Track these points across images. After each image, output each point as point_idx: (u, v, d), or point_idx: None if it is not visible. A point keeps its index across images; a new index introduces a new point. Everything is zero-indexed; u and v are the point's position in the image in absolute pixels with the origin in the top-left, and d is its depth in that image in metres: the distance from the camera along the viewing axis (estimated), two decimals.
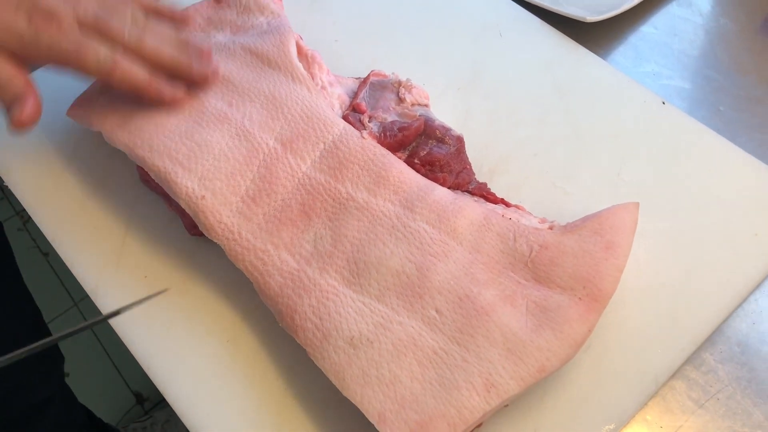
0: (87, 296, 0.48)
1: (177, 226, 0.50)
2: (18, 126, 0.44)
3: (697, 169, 0.50)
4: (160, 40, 0.47)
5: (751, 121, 0.55)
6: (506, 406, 0.41)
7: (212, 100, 0.48)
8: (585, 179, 0.50)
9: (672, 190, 0.49)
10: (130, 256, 0.49)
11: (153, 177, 0.47)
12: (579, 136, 0.52)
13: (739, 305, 0.46)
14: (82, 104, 0.51)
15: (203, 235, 0.48)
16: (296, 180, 0.46)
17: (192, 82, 0.48)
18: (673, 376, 0.44)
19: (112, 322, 0.46)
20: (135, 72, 0.45)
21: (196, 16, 0.55)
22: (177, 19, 0.51)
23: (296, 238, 0.44)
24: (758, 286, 0.46)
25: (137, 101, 0.48)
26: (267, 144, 0.47)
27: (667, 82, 0.58)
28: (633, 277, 0.46)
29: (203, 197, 0.45)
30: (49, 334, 0.82)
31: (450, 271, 0.42)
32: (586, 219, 0.44)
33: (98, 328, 1.27)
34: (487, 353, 0.38)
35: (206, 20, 0.55)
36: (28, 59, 0.44)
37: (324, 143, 0.47)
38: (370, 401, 0.38)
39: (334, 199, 0.45)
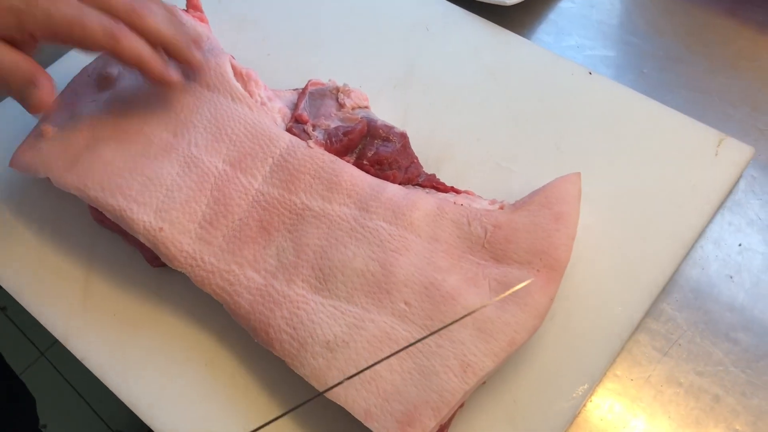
0: (53, 344, 0.48)
1: (139, 261, 0.50)
2: (38, 109, 0.42)
3: (631, 131, 0.52)
4: (159, 18, 0.45)
5: (676, 80, 0.58)
6: (484, 383, 0.43)
7: (156, 132, 0.49)
8: (527, 156, 0.52)
9: (610, 154, 0.51)
10: (95, 297, 0.49)
11: (108, 216, 0.47)
12: (516, 116, 0.54)
13: (687, 254, 0.48)
14: (24, 153, 0.50)
15: (166, 265, 0.48)
16: (250, 198, 0.47)
17: (187, 65, 0.48)
18: (636, 329, 0.46)
19: (87, 363, 0.46)
20: (141, 44, 0.43)
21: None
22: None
23: (259, 255, 0.45)
24: (702, 233, 0.49)
25: (81, 142, 0.48)
26: (216, 167, 0.47)
27: (590, 53, 0.60)
28: (585, 243, 0.48)
29: (161, 229, 0.46)
30: (25, 388, 0.81)
31: (412, 264, 0.43)
32: (533, 195, 0.46)
33: (71, 373, 1.25)
34: (459, 336, 0.40)
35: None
36: (25, 40, 0.41)
37: (272, 158, 0.48)
38: (354, 400, 0.39)
39: (290, 211, 0.46)
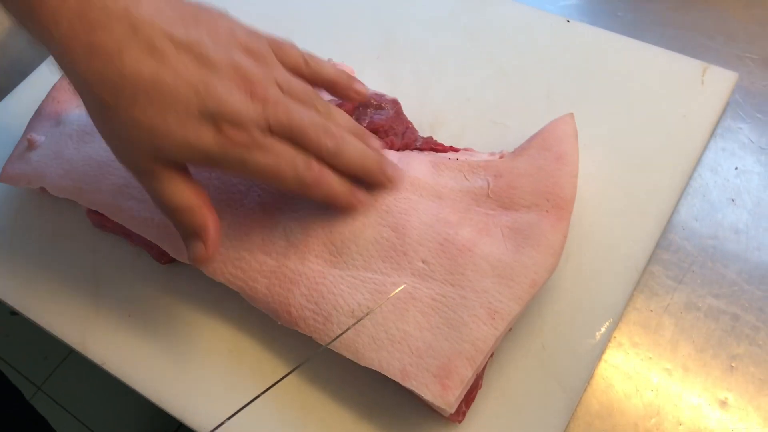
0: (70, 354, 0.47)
1: (145, 260, 0.50)
2: (199, 263, 0.40)
3: (617, 72, 0.53)
4: (352, 147, 0.42)
5: (650, 19, 0.59)
6: (510, 330, 0.43)
7: None
8: (519, 109, 0.53)
9: (599, 97, 0.52)
10: (107, 301, 0.49)
11: (109, 216, 0.46)
12: (502, 71, 0.54)
13: (687, 183, 0.49)
14: (14, 166, 0.50)
15: (174, 260, 0.48)
16: (249, 182, 0.46)
17: (377, 186, 0.44)
18: (649, 261, 0.46)
19: (108, 367, 0.46)
20: (333, 184, 0.41)
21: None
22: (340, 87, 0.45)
23: (267, 238, 0.45)
24: (698, 161, 0.50)
25: (71, 147, 0.47)
26: None
27: (565, 3, 0.61)
28: (587, 185, 0.48)
29: (165, 224, 0.45)
30: (34, 412, 0.80)
31: (423, 222, 0.43)
32: (530, 140, 0.46)
33: (89, 378, 1.24)
34: (481, 285, 0.40)
35: None
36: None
37: None
38: (388, 362, 0.39)
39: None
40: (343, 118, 0.44)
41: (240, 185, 0.46)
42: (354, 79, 0.45)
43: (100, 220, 0.49)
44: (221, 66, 0.37)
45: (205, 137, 0.37)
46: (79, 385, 1.31)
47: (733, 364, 0.43)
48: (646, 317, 0.45)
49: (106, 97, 0.35)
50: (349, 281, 0.42)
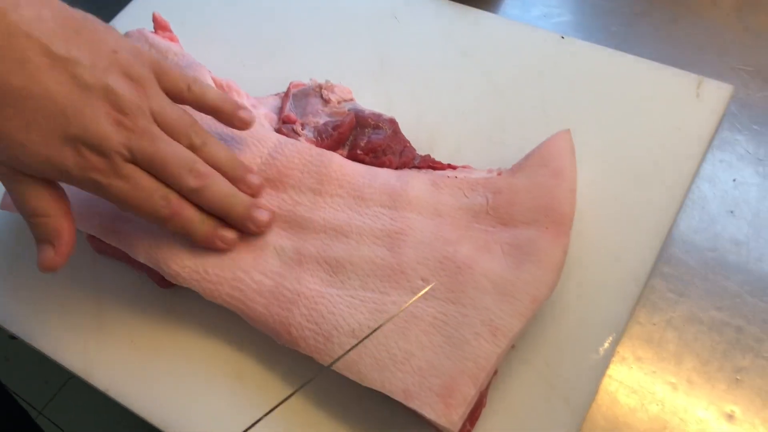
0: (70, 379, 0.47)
1: (147, 284, 0.49)
2: (45, 269, 0.40)
3: (612, 86, 0.53)
4: (217, 188, 0.42)
5: (642, 33, 0.59)
6: (513, 347, 0.43)
7: None
8: (516, 126, 0.53)
9: (596, 112, 0.52)
10: (110, 326, 0.48)
11: (107, 241, 0.46)
12: (498, 89, 0.55)
13: (686, 195, 0.49)
14: None
15: (175, 285, 0.48)
16: None
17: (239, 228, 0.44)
18: (650, 275, 0.46)
19: (112, 394, 0.46)
20: (193, 221, 0.42)
21: None
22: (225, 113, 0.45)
23: (261, 258, 0.45)
24: (696, 173, 0.50)
25: None
26: None
27: (558, 20, 0.61)
28: (586, 199, 0.48)
29: (159, 248, 0.45)
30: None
31: (421, 241, 0.43)
32: (527, 156, 0.46)
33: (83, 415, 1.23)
34: (482, 302, 0.40)
35: None
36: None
37: (261, 158, 0.47)
38: (391, 382, 0.39)
39: (281, 209, 0.46)
40: (220, 152, 0.43)
41: None
42: (239, 106, 0.45)
43: (100, 246, 0.49)
44: (94, 89, 0.37)
45: (66, 158, 0.37)
46: (81, 409, 1.30)
47: (738, 377, 0.43)
48: (649, 331, 0.45)
49: None
50: (348, 300, 0.42)
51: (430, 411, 0.37)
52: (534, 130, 0.52)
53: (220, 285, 0.44)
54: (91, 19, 0.39)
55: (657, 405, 0.43)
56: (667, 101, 0.52)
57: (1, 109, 0.35)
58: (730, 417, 0.42)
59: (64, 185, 0.41)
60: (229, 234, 0.44)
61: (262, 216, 0.44)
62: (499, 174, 0.46)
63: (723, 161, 0.51)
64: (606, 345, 0.43)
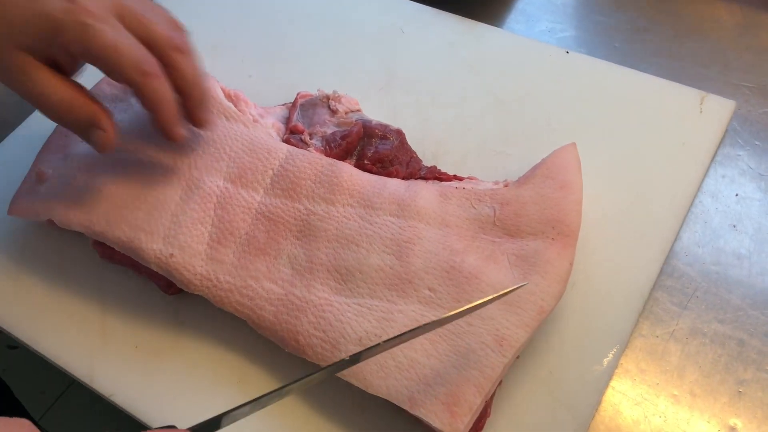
0: (72, 384, 0.47)
1: (152, 291, 0.50)
2: (105, 150, 0.41)
3: (616, 101, 0.54)
4: (192, 65, 0.42)
5: (645, 50, 0.60)
6: (518, 357, 0.43)
7: (155, 160, 0.49)
8: (520, 139, 0.53)
9: (600, 126, 0.53)
10: (114, 333, 0.48)
11: (117, 248, 0.46)
12: (502, 101, 0.55)
13: (689, 210, 0.50)
14: (23, 199, 0.50)
15: (181, 291, 0.48)
16: (254, 211, 0.47)
17: (196, 123, 0.45)
18: (653, 288, 0.47)
19: (115, 399, 0.45)
20: (166, 90, 0.41)
21: (110, 89, 0.55)
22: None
23: (272, 266, 0.45)
24: (699, 188, 0.50)
25: (80, 179, 0.48)
26: (217, 186, 0.48)
27: (562, 35, 0.62)
28: (591, 212, 0.48)
29: (172, 255, 0.45)
30: None
31: (428, 250, 0.43)
32: (534, 169, 0.47)
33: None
34: (489, 312, 0.40)
35: (122, 90, 0.55)
36: (64, 60, 0.39)
37: (272, 169, 0.48)
38: (396, 390, 0.39)
39: (295, 219, 0.46)
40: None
41: (244, 214, 0.46)
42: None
43: (106, 252, 0.50)
44: None
45: (54, 6, 0.37)
46: (78, 419, 1.29)
47: (740, 390, 0.43)
48: (652, 343, 0.45)
49: None
50: (356, 309, 0.42)
51: (435, 419, 0.38)
52: (538, 143, 0.53)
53: (231, 293, 0.45)
54: None
55: (659, 417, 0.43)
56: (670, 116, 0.52)
57: None
58: (732, 429, 0.42)
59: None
60: (184, 131, 0.44)
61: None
62: (505, 185, 0.46)
63: (725, 176, 0.52)
64: (609, 357, 0.43)
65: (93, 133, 0.41)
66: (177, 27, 0.44)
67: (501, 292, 0.39)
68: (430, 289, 0.42)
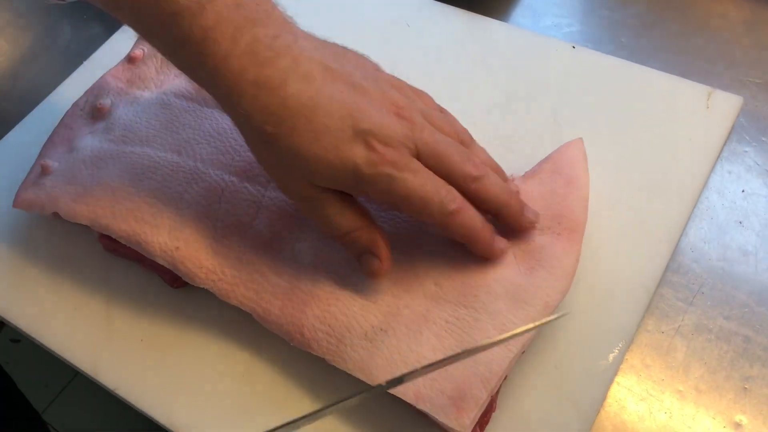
0: (75, 376, 0.47)
1: (157, 284, 0.50)
2: (375, 276, 0.42)
3: (623, 96, 0.53)
4: (494, 180, 0.42)
5: (651, 45, 0.60)
6: (523, 352, 0.43)
7: (160, 153, 0.48)
8: (526, 134, 0.53)
9: (606, 121, 0.53)
10: (119, 326, 0.49)
11: (123, 242, 0.46)
12: (508, 96, 0.55)
13: (695, 206, 0.49)
14: (28, 192, 0.50)
15: (186, 284, 0.48)
16: (259, 205, 0.47)
17: (517, 229, 0.43)
18: (659, 284, 0.47)
19: (120, 393, 0.46)
20: (475, 219, 0.40)
21: (115, 82, 0.55)
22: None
23: (277, 260, 0.45)
24: (705, 184, 0.50)
25: (84, 172, 0.48)
26: (223, 179, 0.47)
27: (568, 30, 0.62)
28: (597, 208, 0.48)
29: (177, 248, 0.45)
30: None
31: (433, 246, 0.43)
32: (540, 164, 0.46)
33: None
34: (495, 307, 0.40)
35: (126, 83, 0.55)
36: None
37: None
38: (402, 385, 0.39)
39: (299, 212, 0.46)
40: (483, 153, 0.45)
41: (250, 209, 0.46)
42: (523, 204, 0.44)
43: (111, 245, 0.49)
44: (371, 92, 0.40)
45: (357, 155, 0.38)
46: (81, 412, 1.30)
47: (746, 386, 0.43)
48: (658, 339, 0.45)
49: (268, 128, 0.38)
50: (361, 303, 0.42)
51: (441, 413, 0.38)
52: (544, 138, 0.52)
53: (236, 286, 0.45)
54: (348, 48, 0.43)
55: (665, 413, 0.43)
56: (676, 112, 0.52)
57: (294, 127, 0.38)
58: (738, 426, 0.42)
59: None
60: (503, 244, 0.43)
61: (532, 214, 0.43)
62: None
63: (731, 172, 0.51)
64: (615, 352, 0.43)
65: (368, 260, 0.41)
66: (463, 132, 0.45)
67: (542, 321, 0.37)
68: (435, 284, 0.42)
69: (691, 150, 0.50)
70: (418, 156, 0.40)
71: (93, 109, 0.53)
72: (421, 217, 0.40)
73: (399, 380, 0.36)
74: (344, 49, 0.43)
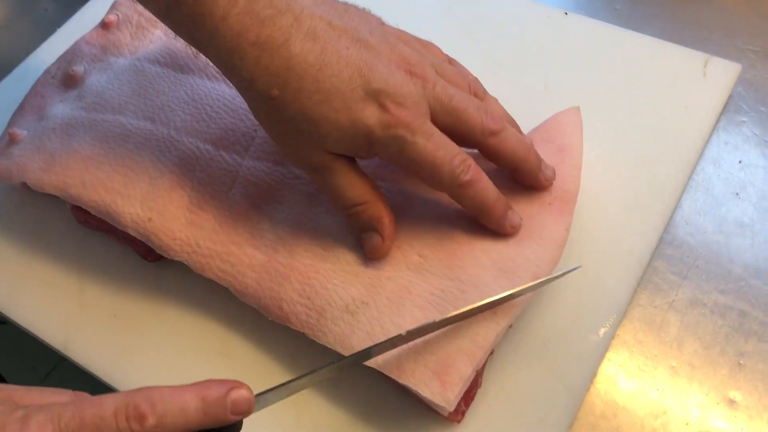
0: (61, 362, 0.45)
1: (131, 257, 0.48)
2: (376, 256, 0.40)
3: (617, 64, 0.52)
4: (512, 134, 0.39)
5: (647, 12, 0.58)
6: (511, 327, 0.42)
7: (133, 121, 0.46)
8: (517, 102, 0.50)
9: (600, 89, 0.51)
10: (92, 301, 0.47)
11: (93, 213, 0.44)
12: (499, 63, 0.53)
13: (690, 177, 0.48)
14: None
15: (162, 258, 0.46)
16: (235, 174, 0.45)
17: (536, 187, 0.41)
18: (652, 257, 0.45)
19: (91, 369, 0.44)
20: (489, 190, 0.39)
21: (89, 48, 0.52)
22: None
23: (254, 231, 0.43)
24: (701, 154, 0.48)
25: (55, 141, 0.46)
26: (198, 147, 0.46)
27: None
28: (589, 178, 0.46)
29: (150, 219, 0.44)
30: None
31: (417, 216, 0.42)
32: (532, 132, 0.45)
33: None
34: (482, 278, 0.39)
35: (100, 49, 0.52)
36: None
37: (256, 131, 0.46)
38: (384, 359, 0.37)
39: (278, 182, 0.44)
40: (498, 105, 0.43)
41: (225, 177, 0.44)
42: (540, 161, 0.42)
43: (84, 217, 0.48)
44: (379, 48, 0.38)
45: (369, 116, 0.36)
46: None
47: (741, 362, 0.42)
48: (651, 314, 0.44)
49: (273, 92, 0.36)
50: (342, 276, 0.40)
51: (425, 388, 0.36)
52: (536, 106, 0.50)
53: (211, 258, 0.43)
54: (351, 4, 0.41)
55: (657, 389, 0.41)
56: (673, 80, 0.50)
57: (301, 88, 0.36)
58: (732, 402, 0.40)
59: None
60: (517, 219, 0.40)
61: (549, 172, 0.42)
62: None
63: (728, 143, 0.50)
64: (606, 327, 0.42)
65: (371, 237, 0.40)
66: (475, 82, 0.43)
67: (540, 280, 0.36)
68: (420, 255, 0.40)
69: (688, 118, 0.49)
70: (433, 114, 0.38)
71: (65, 77, 0.51)
72: (431, 184, 0.39)
73: (367, 352, 0.35)
74: (345, 3, 0.40)
